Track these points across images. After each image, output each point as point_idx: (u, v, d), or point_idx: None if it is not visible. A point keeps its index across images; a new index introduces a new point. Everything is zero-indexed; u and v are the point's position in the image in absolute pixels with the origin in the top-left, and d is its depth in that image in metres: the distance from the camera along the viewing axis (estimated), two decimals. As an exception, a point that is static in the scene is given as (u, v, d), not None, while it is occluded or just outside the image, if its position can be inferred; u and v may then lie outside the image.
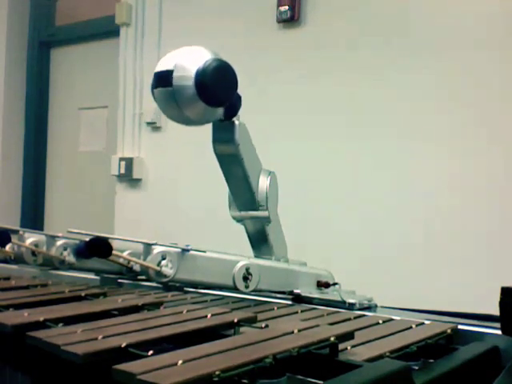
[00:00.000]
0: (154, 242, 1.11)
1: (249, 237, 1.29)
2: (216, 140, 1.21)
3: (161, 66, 1.10)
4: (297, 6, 2.79)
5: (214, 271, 1.14)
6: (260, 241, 1.27)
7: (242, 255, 1.17)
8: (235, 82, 1.11)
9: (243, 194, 1.25)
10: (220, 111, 1.14)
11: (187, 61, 1.08)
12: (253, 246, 1.28)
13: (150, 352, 0.67)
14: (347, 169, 2.66)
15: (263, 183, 1.24)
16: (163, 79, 1.07)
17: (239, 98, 1.16)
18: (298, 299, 1.15)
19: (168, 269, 1.10)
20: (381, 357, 0.71)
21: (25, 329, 0.78)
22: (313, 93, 2.76)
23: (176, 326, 0.81)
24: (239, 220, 1.28)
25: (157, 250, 1.10)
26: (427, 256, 2.42)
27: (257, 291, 1.17)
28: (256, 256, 1.26)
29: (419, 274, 2.40)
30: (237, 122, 1.19)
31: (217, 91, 1.08)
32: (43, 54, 4.11)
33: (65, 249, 1.31)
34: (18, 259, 1.40)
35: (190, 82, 1.06)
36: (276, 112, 2.87)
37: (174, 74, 1.06)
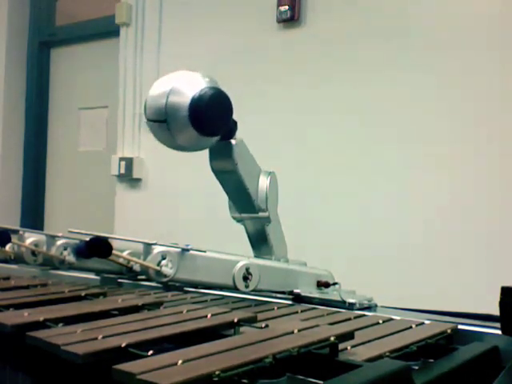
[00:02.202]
0: (154, 241, 1.11)
1: (249, 237, 1.29)
2: (213, 159, 1.20)
3: (155, 90, 1.08)
4: (297, 6, 2.79)
5: (214, 271, 1.14)
6: (260, 241, 1.27)
7: (242, 255, 1.17)
8: (230, 111, 1.09)
9: (243, 201, 1.25)
10: (214, 140, 1.12)
11: (182, 88, 1.07)
12: (253, 246, 1.28)
13: (150, 352, 0.67)
14: (347, 169, 2.66)
15: (263, 183, 1.24)
16: (156, 113, 1.06)
17: (235, 123, 1.15)
18: (298, 299, 1.16)
19: (168, 269, 1.10)
20: (381, 357, 0.71)
21: (25, 329, 0.78)
22: (313, 93, 2.76)
23: (176, 326, 0.81)
24: (239, 220, 1.28)
25: (157, 249, 1.10)
26: (427, 256, 2.42)
27: (257, 291, 1.17)
28: (256, 256, 1.26)
29: (419, 274, 2.40)
30: (233, 142, 1.18)
31: (211, 121, 1.07)
32: (43, 54, 4.11)
33: (65, 249, 1.31)
34: (18, 259, 1.40)
35: (184, 112, 1.05)
36: (276, 112, 2.87)
37: (168, 101, 1.04)
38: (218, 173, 1.22)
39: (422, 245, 2.43)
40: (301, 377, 0.65)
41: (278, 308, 1.05)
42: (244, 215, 1.26)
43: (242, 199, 1.24)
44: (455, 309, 1.06)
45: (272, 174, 1.26)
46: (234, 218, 1.28)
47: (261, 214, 1.24)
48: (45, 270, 1.42)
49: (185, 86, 1.07)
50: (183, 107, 1.04)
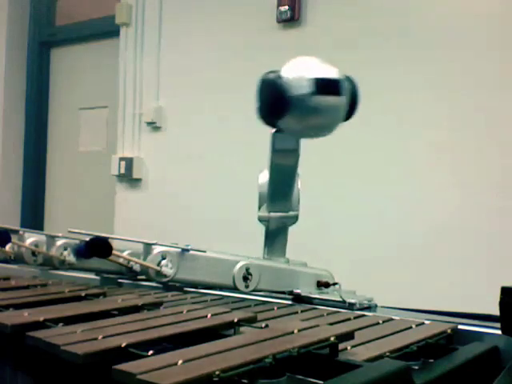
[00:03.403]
0: (154, 241, 1.11)
1: (266, 236, 1.26)
2: (277, 151, 1.16)
3: (314, 72, 1.05)
4: (297, 6, 2.79)
5: (214, 271, 1.14)
6: (277, 240, 1.25)
7: (242, 255, 1.17)
8: None
9: (284, 200, 1.23)
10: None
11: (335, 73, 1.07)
12: (267, 246, 1.26)
13: (150, 352, 0.66)
14: (347, 169, 2.66)
15: (296, 186, 1.24)
16: (331, 86, 1.05)
17: None
18: (298, 299, 1.15)
19: (168, 269, 1.10)
20: (381, 357, 0.71)
21: (25, 329, 0.78)
22: (313, 93, 2.76)
23: (176, 326, 0.81)
24: (263, 220, 1.26)
25: (157, 249, 1.10)
26: (427, 256, 2.42)
27: (257, 291, 1.17)
28: (267, 255, 1.25)
29: (419, 274, 2.40)
30: None
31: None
32: (43, 54, 4.11)
33: (65, 249, 1.31)
34: (18, 259, 1.40)
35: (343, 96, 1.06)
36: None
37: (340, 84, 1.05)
38: (275, 167, 1.18)
39: (421, 245, 2.44)
40: (301, 377, 0.65)
41: (278, 308, 1.05)
42: (273, 214, 1.24)
43: (284, 197, 1.22)
44: (455, 309, 1.06)
45: (298, 175, 1.25)
46: (261, 218, 1.25)
47: (291, 213, 1.23)
48: (45, 270, 1.42)
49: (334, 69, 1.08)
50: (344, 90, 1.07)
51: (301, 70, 1.04)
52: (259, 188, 1.23)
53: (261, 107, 1.06)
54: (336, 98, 1.05)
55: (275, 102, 1.04)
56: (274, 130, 1.12)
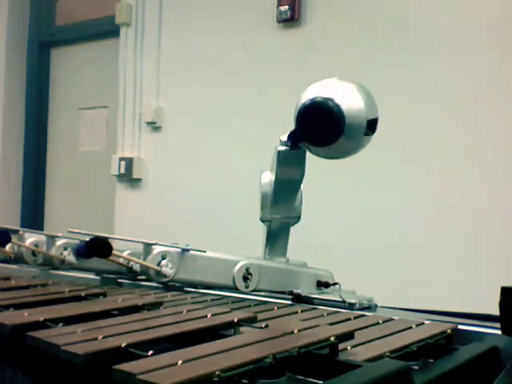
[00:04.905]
0: (153, 241, 1.11)
1: (268, 236, 1.27)
2: (283, 167, 1.17)
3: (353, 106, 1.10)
4: (297, 6, 2.79)
5: (214, 271, 1.14)
6: (278, 240, 1.25)
7: (242, 255, 1.17)
8: None
9: (287, 206, 1.23)
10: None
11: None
12: (268, 245, 1.26)
13: (150, 352, 0.66)
14: (347, 169, 2.65)
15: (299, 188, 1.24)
16: (376, 125, 1.15)
17: None
18: (297, 299, 1.15)
19: (168, 269, 1.10)
20: (381, 357, 0.71)
21: (25, 329, 0.78)
22: (313, 93, 2.76)
23: (176, 326, 0.81)
24: (266, 220, 1.26)
25: (157, 249, 1.10)
26: (427, 256, 2.42)
27: (257, 291, 1.17)
28: (268, 255, 1.25)
29: (419, 273, 2.40)
30: (305, 150, 1.16)
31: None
32: (43, 53, 4.11)
33: (65, 249, 1.31)
34: (18, 259, 1.40)
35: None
36: (276, 112, 2.86)
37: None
38: (281, 181, 1.19)
39: (421, 245, 2.43)
40: (301, 377, 0.65)
41: (278, 308, 1.05)
42: (275, 216, 1.24)
43: (287, 203, 1.22)
44: (455, 309, 1.06)
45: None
46: (263, 219, 1.25)
47: (293, 214, 1.23)
48: (45, 270, 1.42)
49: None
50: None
51: (352, 100, 1.14)
52: (261, 188, 1.23)
53: (310, 128, 1.16)
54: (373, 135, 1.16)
55: (332, 127, 1.12)
56: (283, 147, 1.17)
